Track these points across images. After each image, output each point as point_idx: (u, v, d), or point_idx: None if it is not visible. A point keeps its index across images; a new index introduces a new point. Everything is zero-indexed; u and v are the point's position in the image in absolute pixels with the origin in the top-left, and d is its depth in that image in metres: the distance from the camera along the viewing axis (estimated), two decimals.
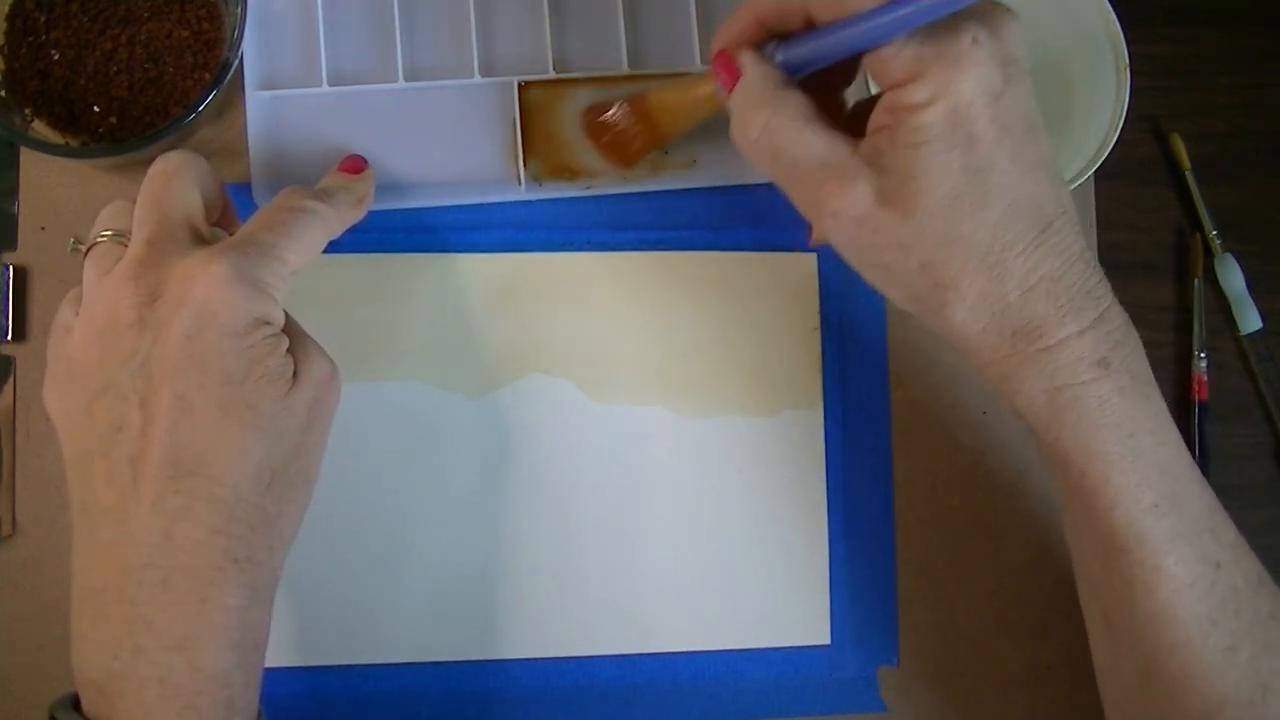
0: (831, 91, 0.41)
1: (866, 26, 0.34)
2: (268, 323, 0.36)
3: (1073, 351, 0.36)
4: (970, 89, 0.34)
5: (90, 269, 0.38)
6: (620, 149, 0.48)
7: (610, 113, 0.47)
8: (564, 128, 0.48)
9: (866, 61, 0.35)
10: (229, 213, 0.42)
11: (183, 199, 0.38)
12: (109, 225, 0.39)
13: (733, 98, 0.38)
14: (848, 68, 0.40)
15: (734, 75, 0.38)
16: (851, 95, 0.42)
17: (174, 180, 0.38)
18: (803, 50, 0.37)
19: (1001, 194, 0.35)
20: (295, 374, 0.37)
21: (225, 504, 0.35)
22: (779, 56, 0.38)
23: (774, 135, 0.37)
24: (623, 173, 0.48)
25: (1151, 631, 0.37)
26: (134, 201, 0.38)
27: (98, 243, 0.39)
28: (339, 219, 0.41)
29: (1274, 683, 0.37)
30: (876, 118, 0.36)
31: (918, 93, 0.34)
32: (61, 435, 0.37)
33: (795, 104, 0.37)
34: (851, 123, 0.39)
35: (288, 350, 0.37)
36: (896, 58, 0.34)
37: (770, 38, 0.38)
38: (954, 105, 0.34)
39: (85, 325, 0.37)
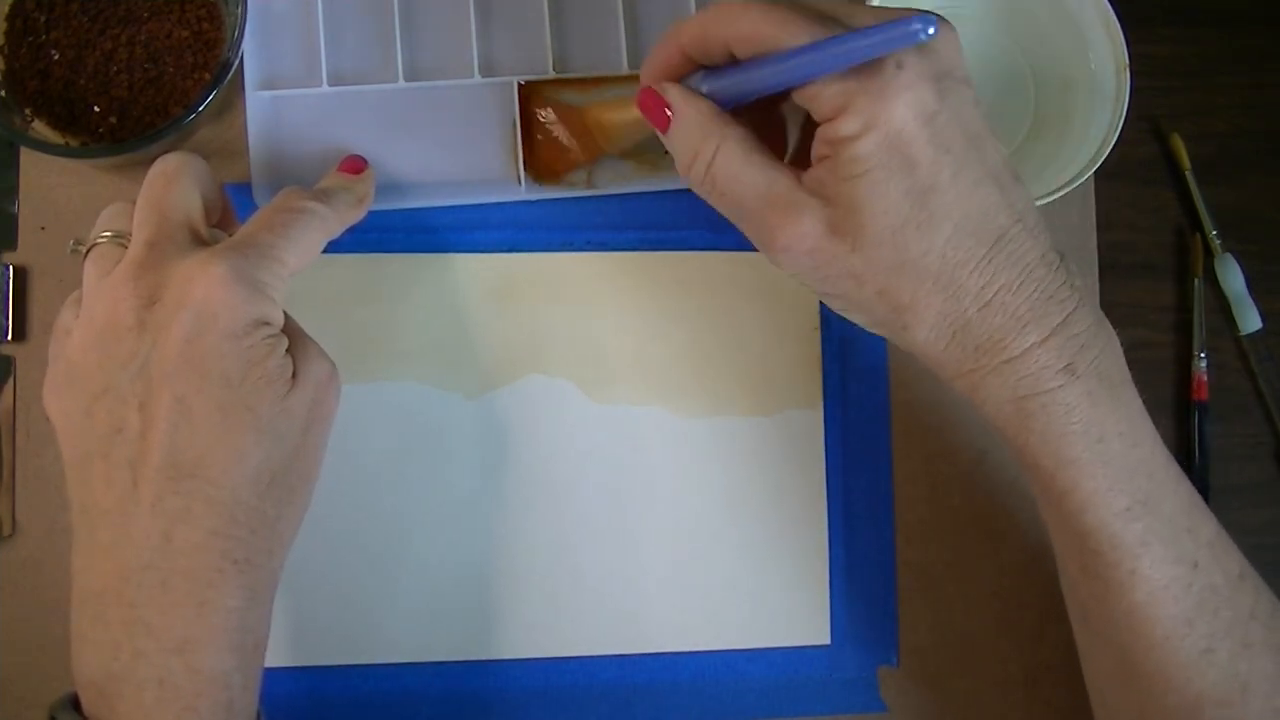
0: (772, 113, 0.40)
1: (784, 67, 0.34)
2: (267, 324, 0.36)
3: (1036, 360, 0.35)
4: (900, 115, 0.33)
5: (90, 270, 0.38)
6: (548, 160, 0.48)
7: (544, 120, 0.47)
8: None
9: (796, 97, 0.35)
10: (229, 214, 0.42)
11: (182, 200, 0.38)
12: (109, 227, 0.39)
13: (669, 137, 0.38)
14: (776, 98, 0.39)
15: (663, 113, 0.38)
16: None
17: (174, 182, 0.38)
18: (728, 84, 0.37)
19: (947, 213, 0.34)
20: (294, 375, 0.37)
21: (224, 506, 0.35)
22: (705, 88, 0.38)
23: (718, 171, 0.36)
24: (544, 184, 0.48)
25: (1128, 631, 0.37)
26: (134, 203, 0.38)
27: (98, 244, 0.39)
28: (338, 219, 0.41)
29: (1254, 682, 0.36)
30: (817, 148, 0.35)
31: (848, 125, 0.34)
32: (61, 437, 0.37)
33: (734, 139, 0.36)
34: (802, 143, 0.39)
35: (287, 351, 0.37)
36: (823, 92, 0.34)
37: (696, 68, 0.38)
38: (886, 133, 0.33)
39: (85, 327, 0.37)
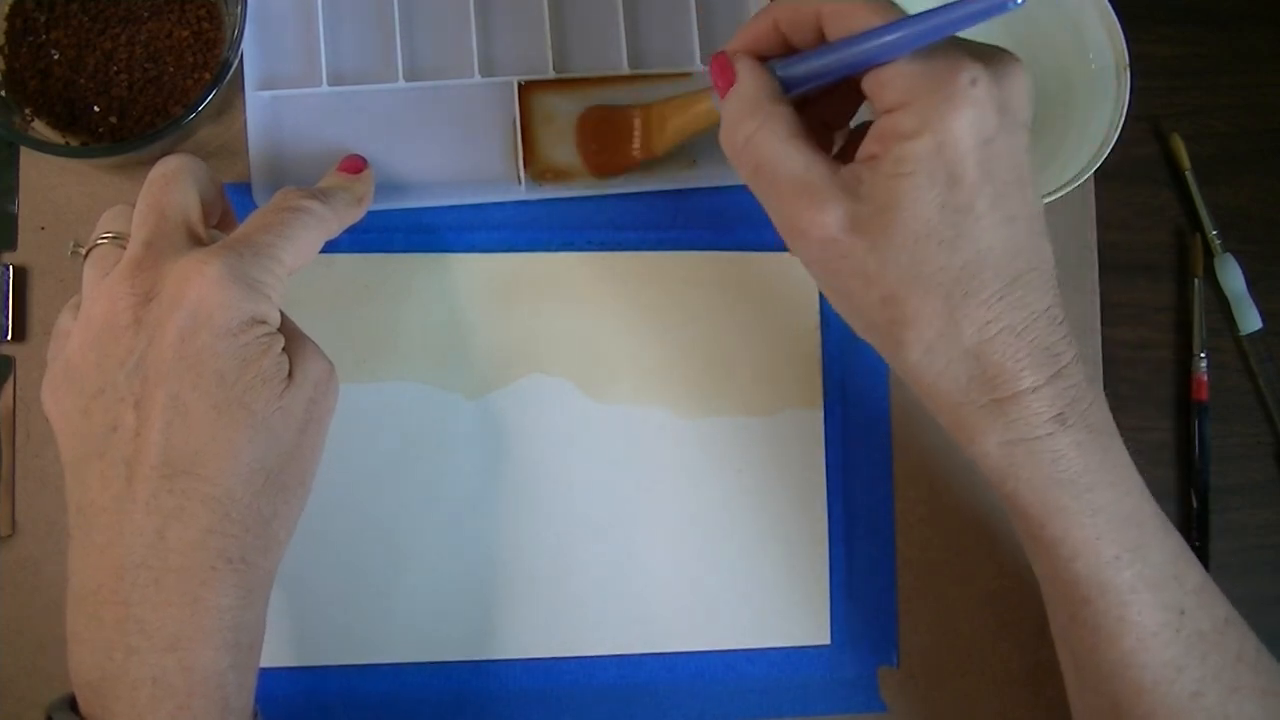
0: (825, 127, 0.40)
1: (867, 46, 0.34)
2: (262, 322, 0.36)
3: (1028, 406, 0.35)
4: (959, 127, 0.33)
5: (90, 272, 0.38)
6: (607, 158, 0.48)
7: (606, 121, 0.47)
8: (564, 128, 0.48)
9: (865, 83, 0.35)
10: (228, 215, 0.42)
11: (181, 201, 0.38)
12: (109, 228, 0.39)
13: (725, 103, 0.38)
14: (845, 105, 0.40)
15: (729, 80, 0.38)
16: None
17: (173, 183, 0.38)
18: (804, 66, 0.37)
19: (974, 239, 0.34)
20: (291, 374, 0.37)
21: (219, 504, 0.35)
22: (779, 71, 0.38)
23: (758, 146, 0.36)
24: (602, 181, 0.48)
25: (1118, 678, 0.37)
26: (134, 205, 0.38)
27: (97, 246, 0.39)
28: (336, 219, 0.41)
29: None
30: (865, 146, 0.35)
31: (907, 121, 0.34)
32: (59, 437, 0.37)
33: (784, 118, 0.36)
34: (838, 158, 0.39)
35: (283, 350, 0.37)
36: (893, 81, 0.34)
37: (780, 51, 0.38)
38: (942, 141, 0.33)
39: (83, 327, 0.37)
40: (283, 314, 0.38)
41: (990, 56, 0.34)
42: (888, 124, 0.34)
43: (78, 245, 0.40)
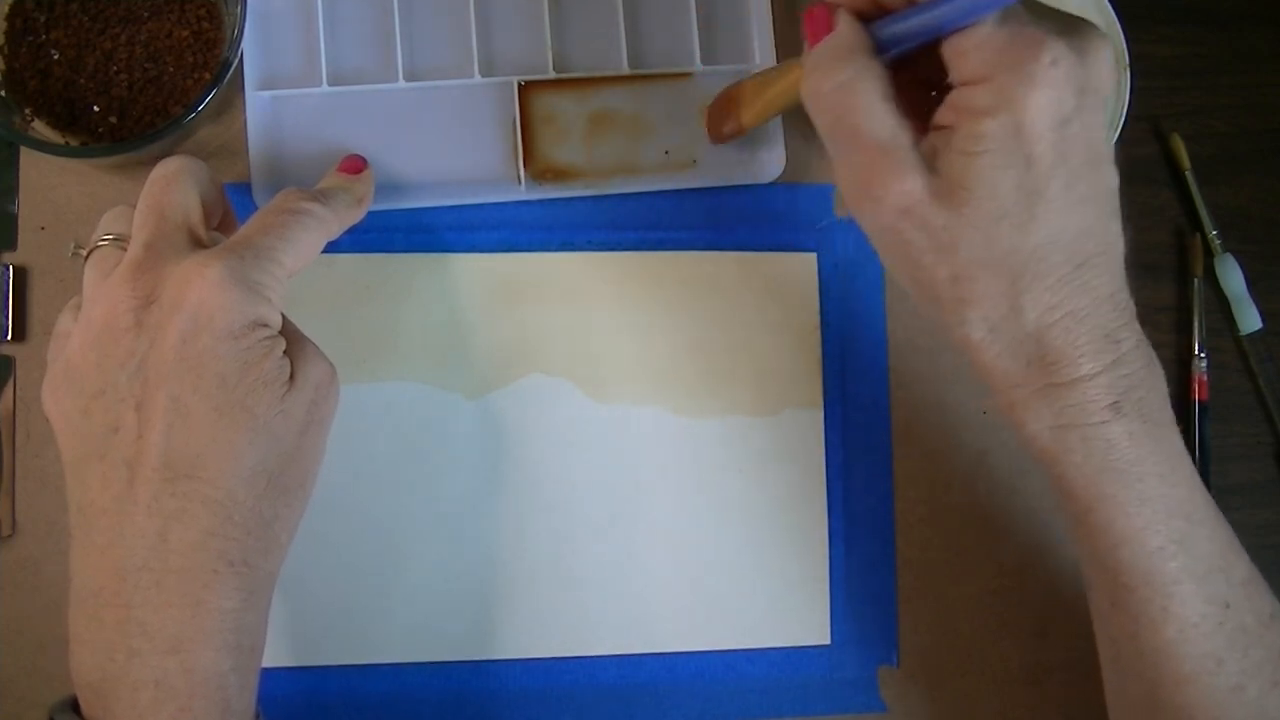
0: (923, 86, 0.38)
1: (950, 7, 0.33)
2: (264, 325, 0.36)
3: (1084, 393, 0.35)
4: (1036, 107, 0.32)
5: (90, 273, 0.38)
6: (714, 130, 0.48)
7: (722, 97, 0.48)
8: (564, 128, 0.48)
9: (945, 49, 0.34)
10: (229, 217, 0.42)
11: (181, 202, 0.38)
12: (109, 230, 0.39)
13: (818, 48, 0.36)
14: (935, 73, 0.38)
15: (826, 29, 0.36)
16: None
17: (173, 184, 0.38)
18: (894, 28, 0.36)
19: (1045, 222, 0.34)
20: (292, 377, 0.37)
21: (220, 506, 0.35)
22: (876, 32, 0.36)
23: (847, 96, 0.35)
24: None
25: (1158, 667, 0.37)
26: (135, 206, 0.38)
27: (98, 247, 0.39)
28: (337, 220, 0.41)
29: None
30: (940, 114, 0.34)
31: (983, 97, 0.33)
32: (60, 437, 0.37)
33: (880, 75, 0.35)
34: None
35: (285, 353, 0.37)
36: (974, 52, 0.33)
37: (872, 13, 0.36)
38: (1018, 121, 0.33)
39: (84, 329, 0.37)
40: (284, 316, 0.38)
41: (1075, 32, 0.34)
42: (964, 96, 0.33)
43: (78, 246, 0.40)
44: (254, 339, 0.36)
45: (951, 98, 0.34)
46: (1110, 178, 0.35)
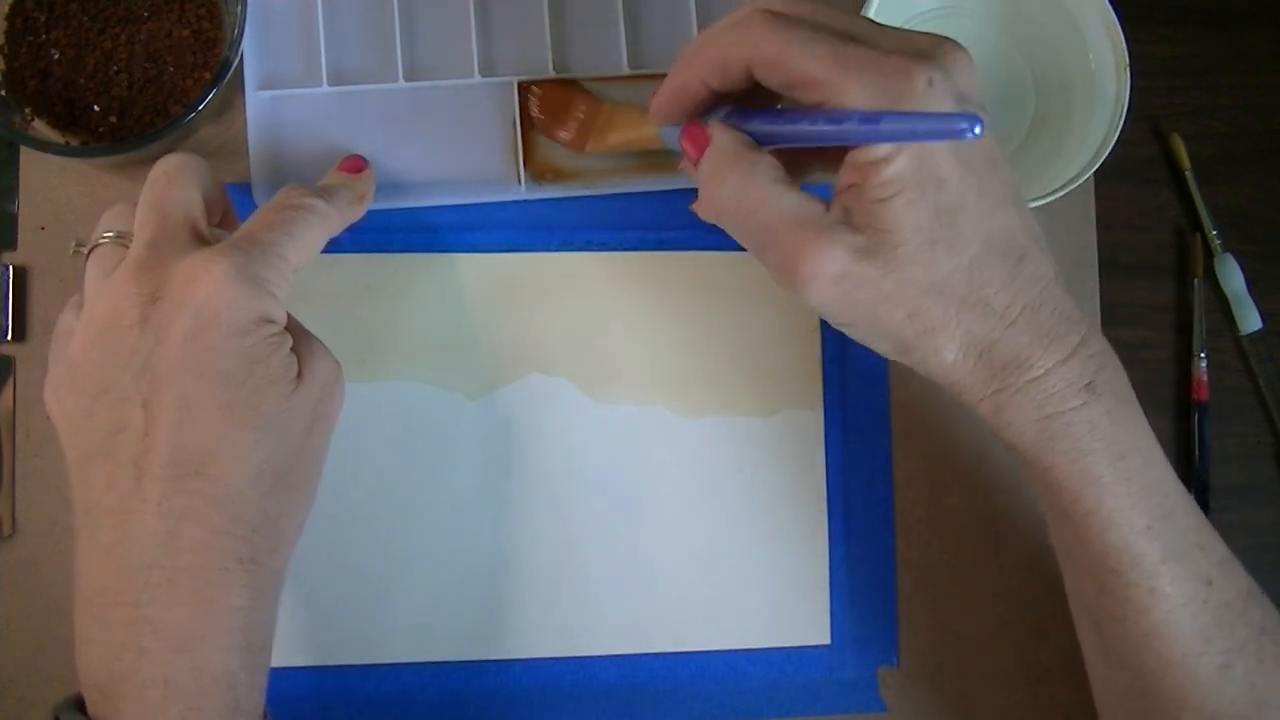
0: (797, 168, 0.40)
1: (829, 130, 0.34)
2: (270, 321, 0.36)
3: (1060, 379, 0.36)
4: None
5: (92, 271, 0.38)
6: (544, 123, 0.48)
7: (559, 94, 0.48)
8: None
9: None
10: (230, 214, 0.42)
11: (183, 200, 0.38)
12: (110, 227, 0.39)
13: (702, 165, 0.37)
14: (809, 152, 0.39)
15: (703, 143, 0.37)
16: None
17: (175, 181, 0.38)
18: (763, 132, 0.37)
19: (974, 232, 0.35)
20: (299, 374, 0.37)
21: (229, 505, 0.35)
22: (742, 125, 0.37)
23: (745, 194, 0.36)
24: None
25: (1145, 649, 0.37)
26: (136, 204, 0.38)
27: (99, 245, 0.38)
28: (339, 216, 0.41)
29: (1269, 696, 0.37)
30: (843, 176, 0.35)
31: (881, 148, 0.33)
32: (62, 437, 0.37)
33: (766, 164, 0.36)
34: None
35: (291, 350, 0.37)
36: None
37: (714, 96, 0.38)
38: (917, 152, 0.33)
39: (86, 327, 0.37)
40: (289, 314, 0.38)
41: (936, 50, 0.34)
42: (861, 156, 0.34)
43: (79, 244, 0.40)
44: (260, 335, 0.36)
45: (850, 159, 0.35)
46: (1009, 174, 0.36)
